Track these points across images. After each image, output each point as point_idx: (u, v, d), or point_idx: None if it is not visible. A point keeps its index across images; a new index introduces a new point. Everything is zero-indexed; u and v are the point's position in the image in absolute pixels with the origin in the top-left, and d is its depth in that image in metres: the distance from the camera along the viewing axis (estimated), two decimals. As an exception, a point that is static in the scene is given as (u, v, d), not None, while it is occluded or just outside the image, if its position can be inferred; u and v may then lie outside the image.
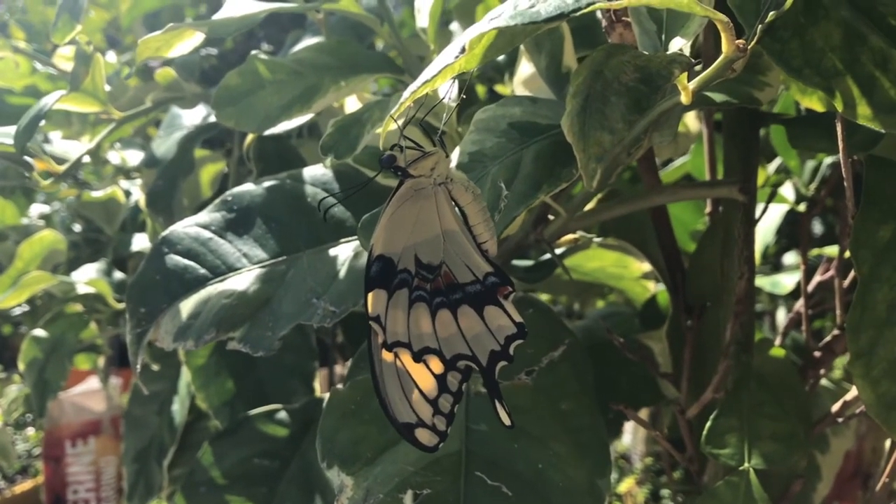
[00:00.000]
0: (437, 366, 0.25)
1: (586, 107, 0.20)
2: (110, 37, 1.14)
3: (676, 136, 0.42)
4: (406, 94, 0.21)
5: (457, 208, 0.25)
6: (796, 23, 0.24)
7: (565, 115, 0.20)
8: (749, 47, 0.23)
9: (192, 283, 0.38)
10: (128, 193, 0.82)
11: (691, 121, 0.42)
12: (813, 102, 0.37)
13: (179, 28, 0.36)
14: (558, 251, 0.44)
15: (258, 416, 0.54)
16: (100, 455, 1.12)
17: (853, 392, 0.38)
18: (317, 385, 0.62)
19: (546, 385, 0.33)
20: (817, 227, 0.92)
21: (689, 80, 0.24)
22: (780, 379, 0.37)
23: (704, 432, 0.34)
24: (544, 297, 0.67)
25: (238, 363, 0.61)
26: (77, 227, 0.97)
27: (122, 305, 0.69)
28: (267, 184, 0.40)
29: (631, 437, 1.33)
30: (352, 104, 0.42)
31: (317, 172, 0.41)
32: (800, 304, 0.45)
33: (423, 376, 0.25)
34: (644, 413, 0.81)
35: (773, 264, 0.87)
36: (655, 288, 0.57)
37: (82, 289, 0.67)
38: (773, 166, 0.64)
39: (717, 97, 0.29)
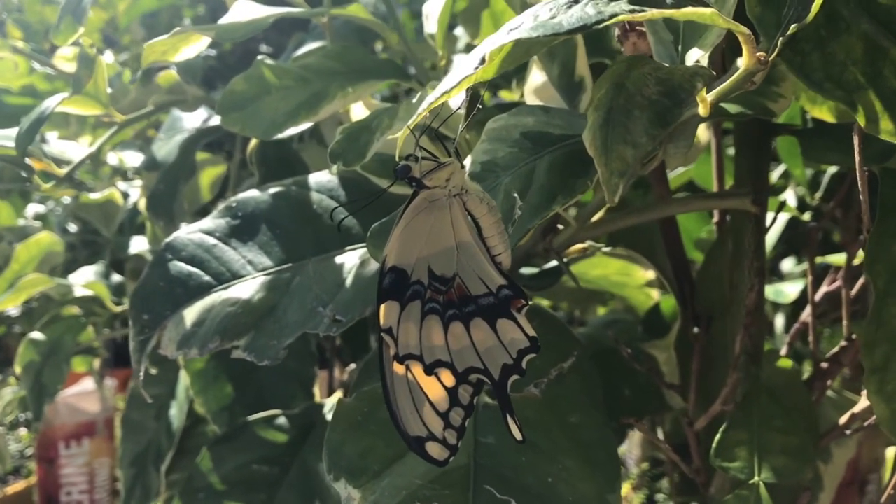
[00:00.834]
0: (448, 379, 0.25)
1: (609, 120, 0.19)
2: (108, 36, 1.13)
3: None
4: (424, 104, 0.21)
5: (471, 220, 0.24)
6: (817, 36, 0.23)
7: (587, 129, 0.20)
8: (770, 59, 0.23)
9: (196, 291, 0.38)
10: (126, 195, 0.81)
11: (701, 130, 0.42)
12: (823, 113, 0.37)
13: (186, 32, 0.36)
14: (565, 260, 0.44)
15: (257, 422, 0.53)
16: (93, 457, 1.11)
17: (862, 404, 0.38)
18: (316, 390, 0.61)
19: (555, 397, 0.33)
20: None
21: (706, 92, 0.24)
22: (789, 391, 0.36)
23: (714, 445, 0.34)
24: (545, 303, 0.67)
25: (237, 368, 0.60)
26: (72, 229, 0.96)
27: (120, 308, 0.68)
28: (272, 190, 0.40)
29: (627, 441, 1.33)
30: (357, 110, 0.42)
31: (322, 179, 0.40)
32: (806, 315, 0.45)
33: (435, 389, 0.25)
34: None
35: (770, 270, 0.87)
36: (658, 296, 0.56)
37: (80, 291, 0.67)
38: (776, 174, 0.64)
39: (732, 108, 0.29)
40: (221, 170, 0.64)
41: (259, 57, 0.39)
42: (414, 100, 0.32)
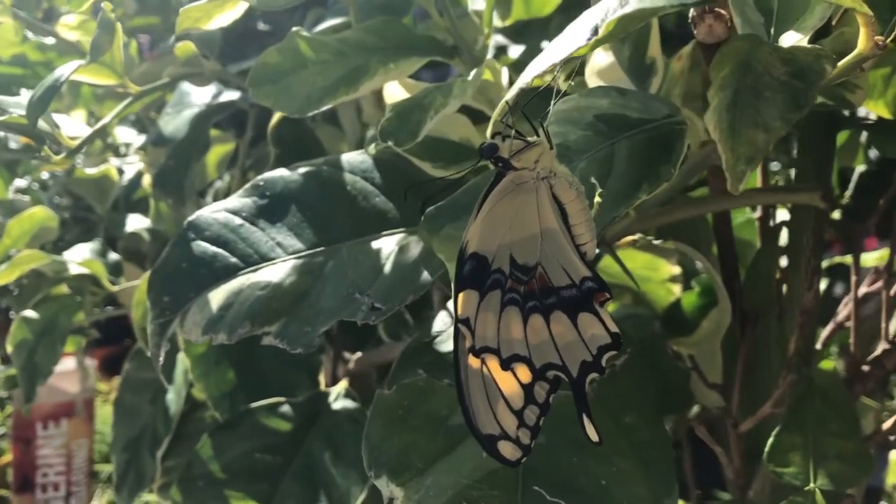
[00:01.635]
0: (525, 375, 0.23)
1: (737, 101, 0.18)
2: (97, 8, 1.10)
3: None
4: (526, 76, 0.19)
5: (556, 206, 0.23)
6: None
7: (710, 111, 0.18)
8: (888, 43, 0.21)
9: (221, 273, 0.36)
10: (120, 171, 0.79)
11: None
12: (879, 108, 0.36)
13: (222, -1, 0.34)
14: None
15: (260, 409, 0.52)
16: (72, 438, 1.09)
17: (905, 409, 0.37)
18: (322, 378, 0.60)
19: (608, 396, 0.31)
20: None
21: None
22: (839, 394, 0.35)
23: (767, 449, 0.33)
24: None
25: (240, 353, 0.58)
26: (58, 203, 0.93)
27: (116, 288, 0.66)
28: (302, 170, 0.38)
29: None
30: (392, 90, 0.40)
31: (356, 160, 0.38)
32: (843, 316, 0.44)
33: (510, 385, 0.23)
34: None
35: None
36: (681, 291, 0.55)
37: (75, 269, 0.64)
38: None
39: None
40: (229, 148, 0.62)
41: (294, 28, 0.37)
42: (470, 77, 0.30)
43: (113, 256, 0.69)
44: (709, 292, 0.53)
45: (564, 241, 0.23)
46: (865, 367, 0.41)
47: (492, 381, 0.23)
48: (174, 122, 0.55)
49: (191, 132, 0.52)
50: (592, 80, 0.31)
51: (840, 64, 0.22)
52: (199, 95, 0.57)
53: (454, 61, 0.36)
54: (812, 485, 0.32)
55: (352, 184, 0.38)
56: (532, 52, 0.47)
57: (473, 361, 0.23)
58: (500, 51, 0.52)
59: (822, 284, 0.60)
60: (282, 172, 0.38)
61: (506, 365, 0.23)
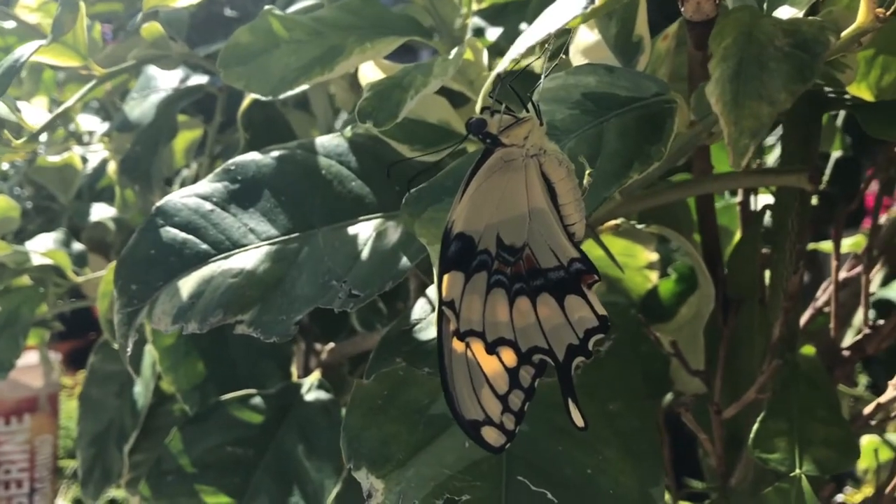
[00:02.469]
0: (510, 359, 0.23)
1: (740, 72, 0.17)
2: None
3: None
4: (518, 46, 0.18)
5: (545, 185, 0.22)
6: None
7: (712, 82, 0.17)
8: (888, 16, 0.21)
9: (192, 260, 0.35)
10: (84, 160, 0.77)
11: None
12: (861, 91, 0.35)
13: (191, -26, 0.32)
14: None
15: (231, 402, 0.50)
16: (35, 434, 1.06)
17: (888, 394, 0.37)
18: (294, 370, 0.58)
19: (592, 383, 0.31)
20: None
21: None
22: (823, 379, 0.35)
23: (752, 435, 0.32)
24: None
25: (209, 344, 0.57)
26: (17, 191, 0.91)
27: (81, 279, 0.64)
28: (275, 153, 0.37)
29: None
30: (368, 71, 0.39)
31: (330, 143, 0.37)
32: (822, 301, 0.44)
33: (495, 370, 0.22)
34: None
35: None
36: (656, 279, 0.55)
37: (38, 260, 0.62)
38: (771, 158, 0.62)
39: (804, 76, 0.27)
40: (198, 134, 0.60)
41: (266, 7, 0.36)
42: (451, 56, 0.29)
43: (77, 247, 0.67)
44: (686, 279, 0.52)
45: (553, 221, 0.22)
46: (846, 353, 0.41)
47: (476, 366, 0.22)
48: (140, 107, 0.54)
49: (157, 117, 0.51)
50: (577, 59, 0.30)
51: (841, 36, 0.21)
52: (166, 80, 0.55)
53: (433, 41, 0.35)
54: (798, 470, 0.31)
55: (327, 168, 0.36)
56: (510, 35, 0.46)
57: (458, 345, 0.22)
58: (478, 33, 0.51)
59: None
60: (254, 156, 0.37)
61: (491, 349, 0.22)
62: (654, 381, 0.48)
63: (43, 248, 0.65)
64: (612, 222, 0.33)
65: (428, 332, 0.33)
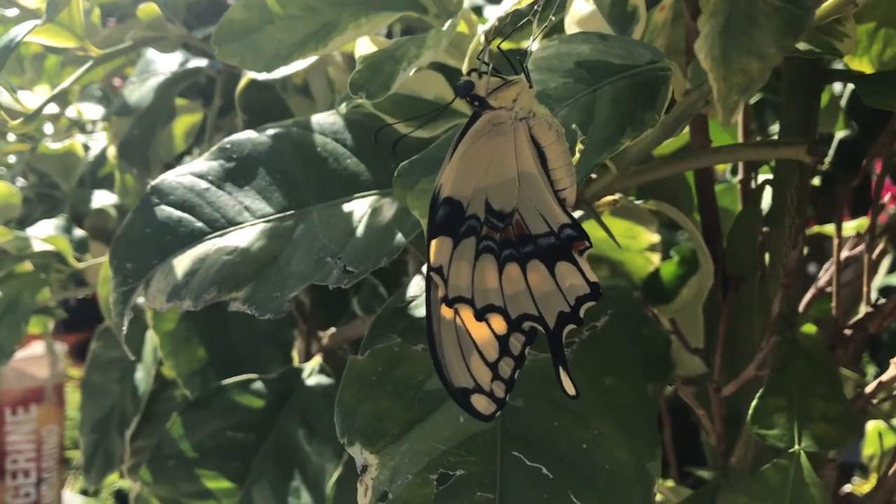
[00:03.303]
0: (500, 326, 0.22)
1: (729, 28, 0.17)
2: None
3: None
4: (506, 4, 0.18)
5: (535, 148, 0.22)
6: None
7: (701, 38, 0.17)
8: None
9: (187, 238, 0.35)
10: (86, 147, 0.77)
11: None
12: (863, 65, 0.35)
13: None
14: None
15: (232, 386, 0.50)
16: (42, 424, 1.07)
17: (890, 373, 0.36)
18: (295, 354, 0.58)
19: (588, 359, 0.30)
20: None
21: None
22: (825, 357, 0.35)
23: (751, 411, 0.32)
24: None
25: (210, 329, 0.57)
26: (21, 182, 0.91)
27: (83, 265, 0.64)
28: (270, 131, 0.37)
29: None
30: (363, 47, 0.38)
31: (326, 121, 0.37)
32: (824, 280, 0.43)
33: (484, 337, 0.22)
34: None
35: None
36: (658, 261, 0.54)
37: (39, 246, 0.62)
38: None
39: (801, 45, 0.27)
40: (197, 118, 0.60)
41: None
42: (445, 27, 0.29)
43: (78, 233, 0.67)
44: (688, 262, 0.52)
45: (543, 185, 0.21)
46: (847, 332, 0.40)
47: (465, 333, 0.22)
48: (139, 91, 0.54)
49: (156, 100, 0.51)
50: (573, 29, 0.30)
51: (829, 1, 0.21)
52: (165, 63, 0.55)
53: (428, 17, 0.35)
54: (797, 446, 0.31)
55: (322, 145, 0.36)
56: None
57: (446, 312, 0.22)
58: (476, 11, 0.50)
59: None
60: (249, 134, 0.37)
61: (480, 315, 0.22)
62: (656, 364, 0.48)
63: (44, 234, 0.65)
64: (610, 198, 0.33)
65: (423, 309, 0.33)
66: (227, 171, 0.36)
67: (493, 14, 0.51)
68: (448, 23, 0.29)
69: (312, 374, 0.51)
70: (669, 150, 0.58)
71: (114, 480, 1.21)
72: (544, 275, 0.22)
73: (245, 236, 0.34)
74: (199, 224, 0.35)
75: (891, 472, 0.38)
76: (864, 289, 0.40)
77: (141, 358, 0.64)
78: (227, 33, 0.35)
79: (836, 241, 0.40)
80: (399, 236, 0.33)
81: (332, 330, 0.59)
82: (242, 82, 0.46)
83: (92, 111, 0.81)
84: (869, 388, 0.37)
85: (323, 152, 0.36)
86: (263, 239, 0.34)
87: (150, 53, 0.56)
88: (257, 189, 0.35)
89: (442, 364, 0.22)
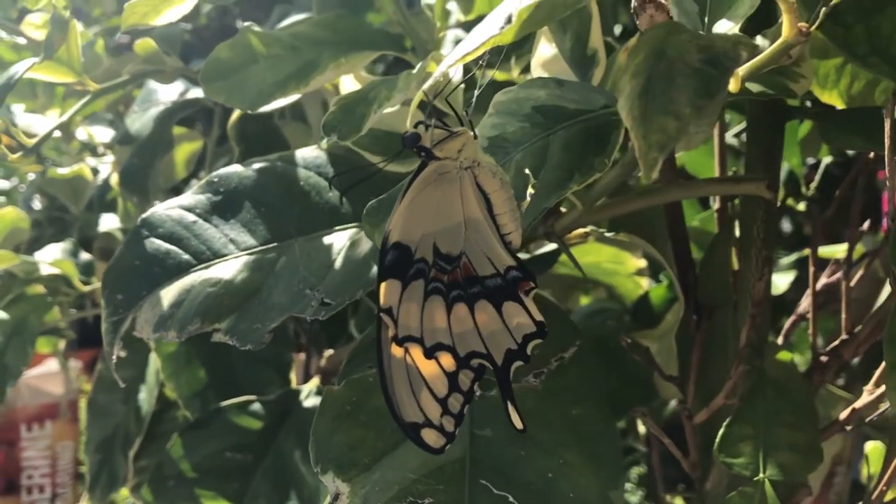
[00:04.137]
0: (449, 363, 0.23)
1: (649, 88, 0.18)
2: (77, 9, 1.09)
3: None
4: (443, 66, 0.19)
5: (481, 195, 0.23)
6: (861, 7, 0.22)
7: (622, 98, 0.18)
8: (811, 31, 0.21)
9: (174, 270, 0.36)
10: (95, 171, 0.79)
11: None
12: (833, 99, 0.36)
13: (169, -7, 0.33)
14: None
15: (231, 408, 0.52)
16: (56, 440, 1.08)
17: (863, 399, 0.37)
18: (293, 377, 0.59)
19: (555, 389, 0.31)
20: (786, 226, 0.91)
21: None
22: (794, 386, 0.35)
23: (717, 440, 0.33)
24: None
25: (211, 352, 0.58)
26: (37, 205, 0.93)
27: (88, 288, 0.66)
28: (256, 165, 0.38)
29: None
30: (347, 83, 0.39)
31: (310, 155, 0.38)
32: (803, 308, 0.44)
33: (434, 374, 0.23)
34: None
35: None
36: (647, 285, 0.55)
37: (46, 269, 0.64)
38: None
39: (754, 87, 0.28)
40: (197, 146, 0.61)
41: (246, 23, 0.37)
42: (415, 70, 0.30)
43: (85, 256, 0.69)
44: (675, 287, 0.53)
45: (489, 230, 0.23)
46: (824, 358, 0.41)
47: (415, 370, 0.23)
48: (140, 121, 0.55)
49: (155, 130, 0.52)
50: (538, 72, 0.31)
51: (765, 53, 0.22)
52: (166, 93, 0.57)
53: (406, 55, 0.36)
54: (762, 475, 0.32)
55: (305, 179, 0.37)
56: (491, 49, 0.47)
57: (397, 350, 0.23)
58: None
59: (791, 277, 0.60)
60: (236, 168, 0.38)
61: (429, 354, 0.23)
62: (640, 388, 0.48)
63: (50, 257, 0.66)
64: (580, 231, 0.34)
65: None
66: (213, 204, 0.37)
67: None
68: (419, 65, 0.30)
69: (310, 395, 0.52)
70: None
71: (126, 495, 1.23)
72: (492, 314, 0.23)
73: (229, 268, 0.35)
74: (186, 256, 0.36)
75: (874, 494, 0.39)
76: (843, 316, 0.41)
77: (144, 379, 0.65)
78: (214, 71, 0.37)
79: (811, 269, 0.41)
80: (375, 269, 0.34)
81: (330, 352, 0.60)
82: (234, 115, 0.47)
83: (103, 134, 0.83)
84: (843, 415, 0.38)
85: (306, 186, 0.37)
86: (247, 271, 0.35)
87: (152, 83, 0.57)
88: (242, 222, 0.37)
89: (392, 400, 0.23)
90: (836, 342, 0.40)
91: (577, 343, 0.32)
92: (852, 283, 0.41)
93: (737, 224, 0.37)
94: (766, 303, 0.34)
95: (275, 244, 0.36)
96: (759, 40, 0.27)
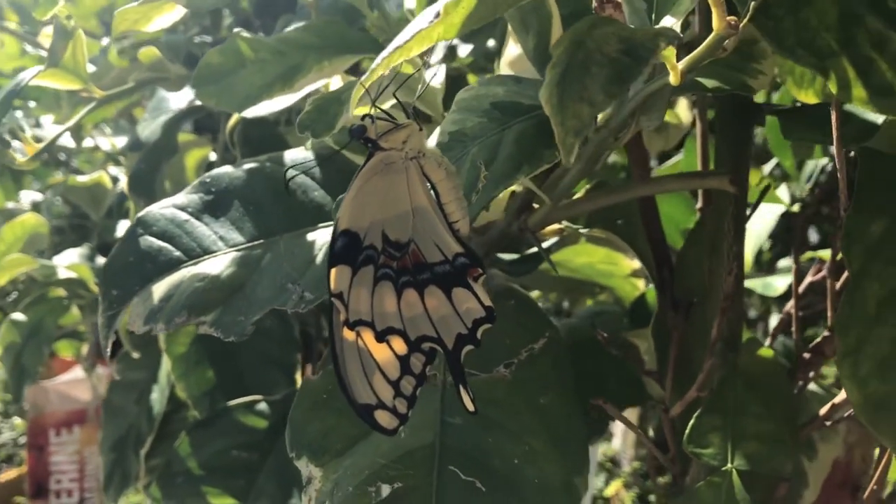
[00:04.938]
0: (400, 347, 0.24)
1: (565, 76, 0.19)
2: (106, 24, 1.13)
3: (667, 125, 0.41)
4: (378, 60, 0.20)
5: (429, 185, 0.24)
6: (790, 1, 0.23)
7: (543, 86, 0.19)
8: (742, 25, 0.22)
9: (165, 266, 0.37)
10: (115, 179, 0.81)
11: (683, 111, 0.41)
12: (808, 97, 0.36)
13: (158, 0, 0.35)
14: (545, 244, 0.43)
15: (238, 407, 0.53)
16: (84, 445, 1.11)
17: (842, 395, 0.37)
18: (299, 377, 0.61)
19: (525, 378, 0.32)
20: (813, 236, 0.91)
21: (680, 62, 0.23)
22: (768, 380, 0.36)
23: (687, 431, 0.33)
24: (535, 293, 0.66)
25: (219, 353, 0.60)
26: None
27: (103, 291, 0.68)
28: (247, 166, 0.39)
29: (620, 440, 1.32)
30: (336, 86, 0.41)
31: (298, 156, 0.39)
32: (790, 306, 0.44)
33: (386, 357, 0.24)
34: (633, 415, 0.80)
35: (768, 270, 0.86)
36: (645, 286, 0.56)
37: (63, 273, 0.66)
38: (767, 168, 0.63)
39: (709, 83, 0.28)
40: (207, 152, 0.63)
41: (235, 30, 0.38)
42: (387, 71, 0.31)
43: (101, 261, 0.71)
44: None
45: (436, 218, 0.23)
46: (807, 355, 0.41)
47: (367, 353, 0.24)
48: (149, 127, 0.57)
49: (161, 136, 0.54)
50: (505, 71, 0.32)
51: (701, 46, 0.23)
52: (175, 100, 0.58)
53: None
54: (729, 465, 0.32)
55: (292, 179, 0.39)
56: (478, 51, 0.48)
57: (348, 334, 0.24)
58: (451, 50, 0.53)
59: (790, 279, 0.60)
60: (227, 169, 0.39)
61: (380, 337, 0.24)
62: (633, 387, 0.49)
63: (68, 262, 0.68)
64: (555, 226, 0.35)
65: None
66: (205, 203, 0.39)
67: (465, 51, 0.54)
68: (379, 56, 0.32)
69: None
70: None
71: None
72: (441, 299, 0.24)
73: (217, 264, 0.37)
74: (177, 253, 0.37)
75: (867, 493, 0.39)
76: (829, 314, 0.41)
77: (157, 380, 0.67)
78: (205, 76, 0.38)
79: (794, 268, 0.41)
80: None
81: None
82: (233, 120, 0.49)
83: (124, 143, 0.86)
84: (822, 411, 0.38)
85: (293, 185, 0.38)
86: (233, 266, 0.36)
87: (162, 91, 0.59)
88: (231, 220, 0.38)
89: (346, 382, 0.24)
90: (819, 339, 0.41)
91: (547, 335, 0.33)
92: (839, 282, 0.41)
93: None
94: (737, 297, 0.34)
95: (261, 241, 0.37)
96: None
